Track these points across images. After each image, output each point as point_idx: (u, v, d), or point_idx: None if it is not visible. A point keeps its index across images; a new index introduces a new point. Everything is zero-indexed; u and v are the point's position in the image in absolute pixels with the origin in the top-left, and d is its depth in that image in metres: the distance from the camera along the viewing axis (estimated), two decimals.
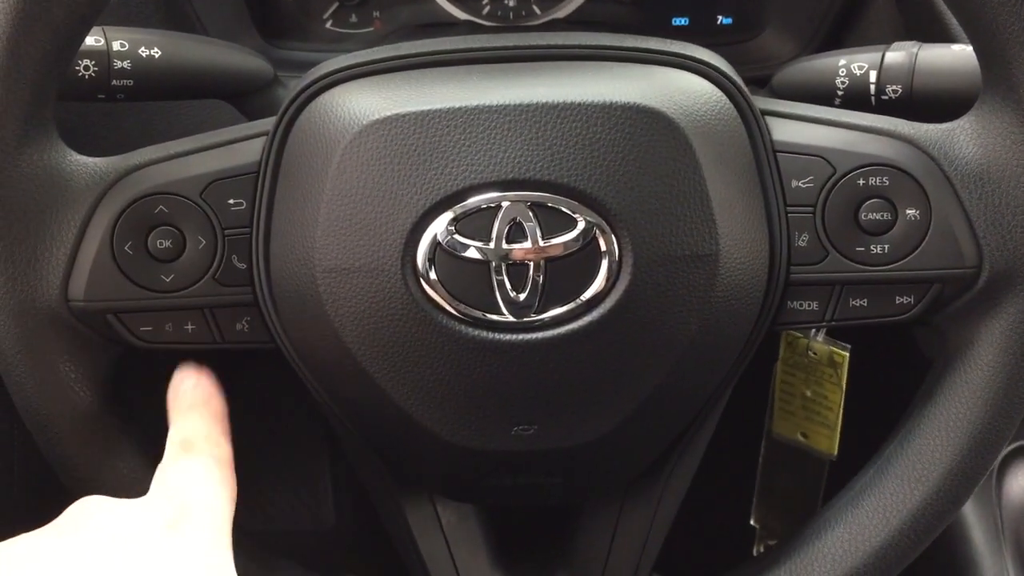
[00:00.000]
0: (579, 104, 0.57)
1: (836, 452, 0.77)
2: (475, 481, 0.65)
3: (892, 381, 0.89)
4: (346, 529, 1.17)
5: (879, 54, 0.69)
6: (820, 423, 0.77)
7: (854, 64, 0.69)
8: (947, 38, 0.77)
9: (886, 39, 0.71)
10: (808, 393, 0.77)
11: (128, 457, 0.64)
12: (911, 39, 0.70)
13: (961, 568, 0.93)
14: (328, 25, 0.91)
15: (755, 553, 0.88)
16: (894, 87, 0.68)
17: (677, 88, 0.59)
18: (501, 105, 0.57)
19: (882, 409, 0.80)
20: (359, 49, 0.63)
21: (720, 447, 0.72)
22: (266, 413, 1.17)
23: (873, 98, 0.69)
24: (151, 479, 0.65)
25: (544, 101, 0.57)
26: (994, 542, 0.94)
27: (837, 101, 0.70)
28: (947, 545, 0.92)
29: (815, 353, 0.75)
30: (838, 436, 0.77)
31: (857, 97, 0.69)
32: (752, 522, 0.87)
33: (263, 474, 1.17)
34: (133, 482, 0.64)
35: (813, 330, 0.74)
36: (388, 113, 0.57)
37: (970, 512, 0.94)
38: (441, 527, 0.69)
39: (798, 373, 0.77)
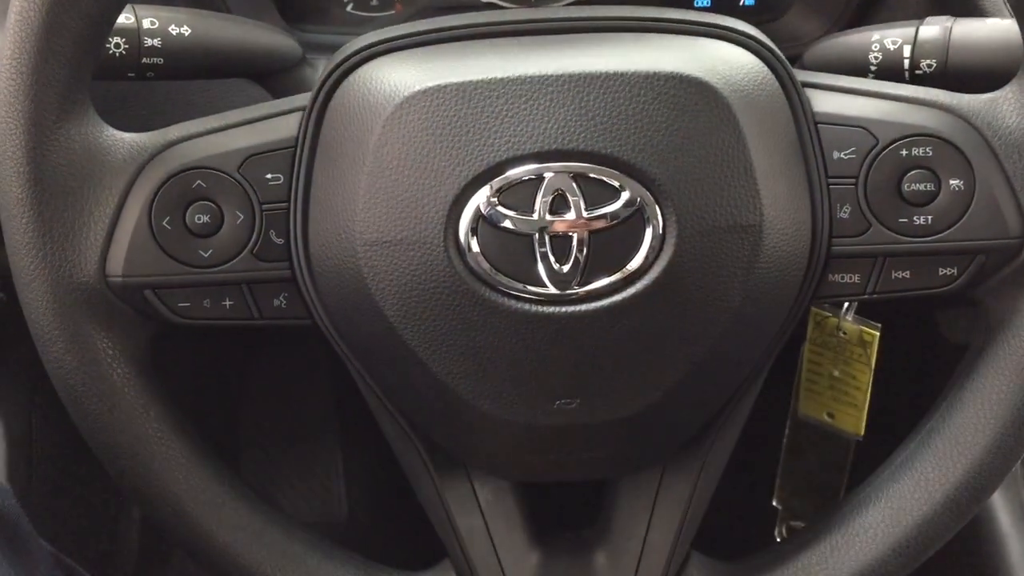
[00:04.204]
0: (622, 73, 0.57)
1: (863, 432, 0.77)
2: (517, 456, 0.65)
3: (918, 361, 0.89)
4: (358, 522, 1.16)
5: (913, 29, 0.69)
6: (847, 403, 0.77)
7: (887, 39, 0.69)
8: (975, 15, 0.76)
9: (912, 18, 0.70)
10: (836, 373, 0.76)
11: (165, 435, 0.64)
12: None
13: (987, 549, 0.93)
14: (349, 8, 0.90)
15: (776, 534, 0.87)
16: (928, 62, 0.68)
17: (719, 58, 0.59)
18: (543, 75, 0.57)
19: (907, 389, 0.80)
20: None
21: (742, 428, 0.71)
22: (279, 406, 1.17)
23: (907, 73, 0.69)
24: (185, 457, 0.64)
25: (587, 71, 0.57)
26: (1020, 523, 0.94)
27: (870, 76, 0.70)
28: (973, 527, 0.92)
29: (845, 332, 0.74)
30: (865, 416, 0.76)
31: (890, 73, 0.69)
32: (774, 503, 0.86)
33: (276, 466, 1.17)
34: (170, 460, 0.63)
35: (844, 308, 0.74)
36: (429, 84, 0.57)
37: (996, 494, 0.93)
38: (479, 505, 0.69)
39: (826, 353, 0.77)
